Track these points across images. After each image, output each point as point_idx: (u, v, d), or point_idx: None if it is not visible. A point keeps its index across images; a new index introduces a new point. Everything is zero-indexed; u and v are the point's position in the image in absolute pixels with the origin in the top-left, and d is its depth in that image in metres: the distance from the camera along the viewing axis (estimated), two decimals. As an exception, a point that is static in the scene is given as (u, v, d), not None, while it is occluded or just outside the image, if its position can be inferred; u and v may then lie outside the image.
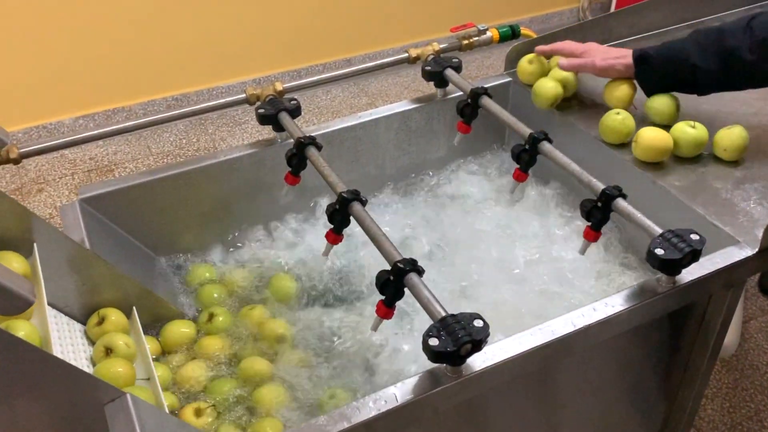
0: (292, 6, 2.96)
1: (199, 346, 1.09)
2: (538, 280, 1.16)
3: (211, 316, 1.12)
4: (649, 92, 1.21)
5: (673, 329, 1.07)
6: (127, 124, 1.16)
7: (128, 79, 2.81)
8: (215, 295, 1.17)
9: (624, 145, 1.20)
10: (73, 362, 0.92)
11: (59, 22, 2.59)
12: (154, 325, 1.12)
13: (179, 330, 1.10)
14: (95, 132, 1.13)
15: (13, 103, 2.67)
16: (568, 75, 1.28)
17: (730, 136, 1.14)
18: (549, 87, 1.26)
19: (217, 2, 2.79)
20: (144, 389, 0.93)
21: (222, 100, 1.20)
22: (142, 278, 1.12)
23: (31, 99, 2.70)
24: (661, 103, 1.21)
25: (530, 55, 1.34)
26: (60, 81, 2.71)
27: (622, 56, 1.20)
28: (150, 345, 1.08)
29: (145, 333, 1.09)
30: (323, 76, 1.28)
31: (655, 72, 1.17)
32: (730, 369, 1.90)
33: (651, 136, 1.14)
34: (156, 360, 1.07)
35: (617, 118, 1.19)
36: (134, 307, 1.04)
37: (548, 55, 1.32)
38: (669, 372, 1.14)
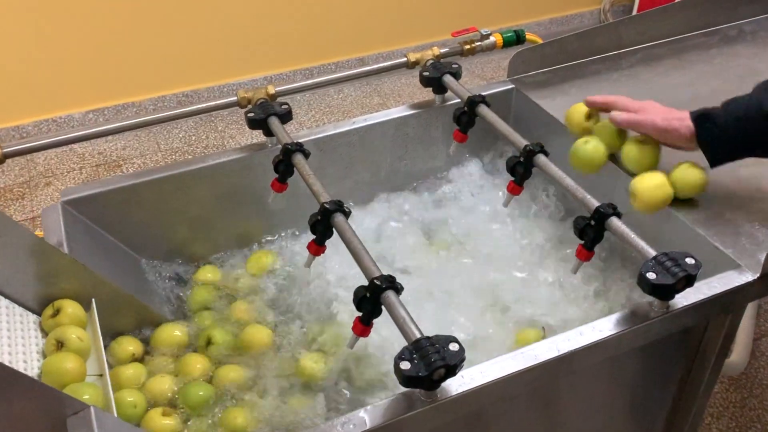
0: (306, 3, 2.93)
1: (184, 363, 1.06)
2: (533, 293, 1.12)
3: (209, 342, 1.09)
4: (716, 160, 1.00)
5: (669, 352, 1.03)
6: (114, 125, 1.14)
7: (139, 74, 2.81)
8: (210, 320, 1.14)
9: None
10: (21, 355, 0.90)
11: (71, 17, 2.59)
12: (142, 331, 1.10)
13: (172, 333, 1.08)
14: (77, 134, 1.11)
15: (23, 96, 2.68)
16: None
17: None
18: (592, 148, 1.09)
19: (230, -2, 2.78)
20: (93, 386, 0.90)
21: (212, 103, 1.18)
22: (127, 282, 1.10)
23: (41, 92, 2.70)
24: (634, 150, 1.08)
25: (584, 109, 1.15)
26: (70, 75, 2.71)
27: (684, 117, 1.01)
28: (132, 346, 1.06)
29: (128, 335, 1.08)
30: (318, 80, 1.25)
31: (722, 131, 0.97)
32: (738, 387, 1.84)
33: (650, 188, 1.02)
34: (139, 361, 1.05)
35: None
36: (93, 300, 1.00)
37: (598, 109, 1.14)
38: (665, 395, 1.09)
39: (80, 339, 0.93)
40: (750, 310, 1.94)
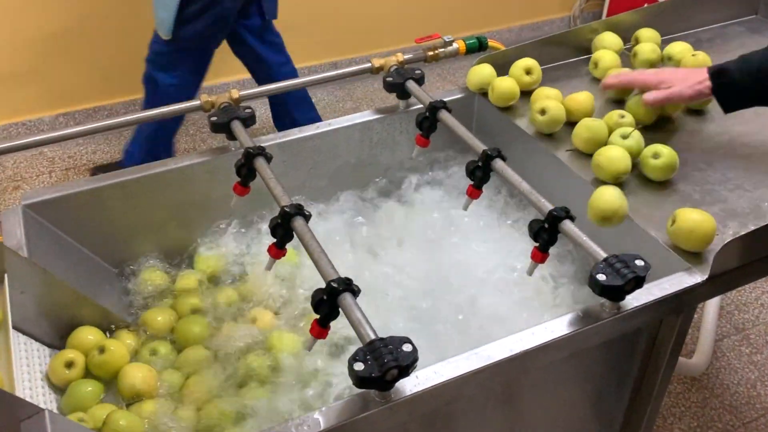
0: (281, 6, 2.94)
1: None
2: (495, 296, 1.14)
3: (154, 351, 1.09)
4: (729, 108, 1.14)
5: (624, 352, 1.05)
6: (84, 127, 1.13)
7: (110, 78, 2.79)
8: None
9: (588, 162, 1.17)
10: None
11: (39, 19, 2.56)
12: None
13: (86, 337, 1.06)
14: (46, 136, 1.11)
15: (-8, 99, 2.65)
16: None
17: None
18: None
19: None
20: None
21: (176, 107, 1.18)
22: (89, 286, 1.10)
23: (10, 95, 2.67)
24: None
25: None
26: (40, 78, 2.68)
27: (704, 78, 1.13)
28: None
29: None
30: (281, 84, 1.26)
31: (736, 84, 1.10)
32: (700, 387, 1.88)
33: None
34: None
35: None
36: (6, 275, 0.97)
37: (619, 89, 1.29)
38: (622, 393, 1.12)
39: None
40: (712, 312, 1.98)
